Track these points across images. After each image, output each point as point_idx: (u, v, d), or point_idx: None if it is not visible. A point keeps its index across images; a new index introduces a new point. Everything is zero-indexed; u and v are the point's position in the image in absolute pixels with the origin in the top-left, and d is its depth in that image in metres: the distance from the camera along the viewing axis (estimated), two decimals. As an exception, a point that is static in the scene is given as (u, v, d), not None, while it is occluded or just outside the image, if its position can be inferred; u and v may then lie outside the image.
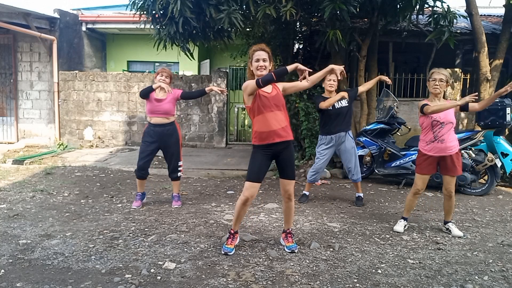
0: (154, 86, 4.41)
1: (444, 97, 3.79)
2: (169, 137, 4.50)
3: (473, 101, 3.54)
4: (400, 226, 3.90)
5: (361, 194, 4.97)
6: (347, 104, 4.75)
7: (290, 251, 3.29)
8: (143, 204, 4.64)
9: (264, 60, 3.16)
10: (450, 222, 3.88)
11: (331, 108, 4.69)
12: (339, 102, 4.72)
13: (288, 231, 3.44)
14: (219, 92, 4.60)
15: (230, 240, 3.30)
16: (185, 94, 4.67)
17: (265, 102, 3.17)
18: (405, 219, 3.95)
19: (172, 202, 4.68)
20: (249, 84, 3.17)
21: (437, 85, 3.63)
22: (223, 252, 3.22)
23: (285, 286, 2.72)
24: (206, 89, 4.63)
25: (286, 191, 3.31)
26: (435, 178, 5.45)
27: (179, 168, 4.63)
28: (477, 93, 3.72)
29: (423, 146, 3.77)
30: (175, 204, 4.61)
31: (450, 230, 3.82)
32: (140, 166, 4.51)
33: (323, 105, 4.64)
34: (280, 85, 3.31)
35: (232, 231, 3.33)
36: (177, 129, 4.61)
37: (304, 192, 5.06)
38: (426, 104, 3.66)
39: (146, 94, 4.44)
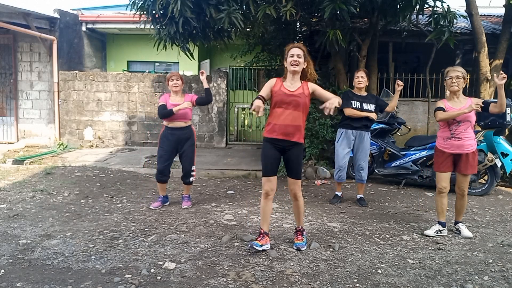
0: (174, 110, 4.31)
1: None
2: (186, 140, 4.50)
3: (478, 109, 3.50)
4: (432, 230, 3.80)
5: (362, 196, 4.99)
6: (373, 110, 4.74)
7: (296, 248, 3.31)
8: (143, 204, 4.63)
9: (298, 56, 3.17)
10: (461, 222, 3.86)
11: (359, 107, 4.69)
12: (367, 104, 4.71)
13: (298, 228, 3.45)
14: (202, 75, 4.55)
15: (260, 238, 3.29)
16: (199, 100, 4.56)
17: (284, 98, 3.18)
18: (440, 223, 3.82)
19: (182, 202, 4.65)
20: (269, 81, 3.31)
21: (454, 82, 3.62)
22: (255, 248, 3.18)
23: (285, 286, 2.72)
24: (204, 85, 4.58)
25: (291, 190, 3.34)
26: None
27: (192, 173, 4.61)
28: (483, 101, 3.67)
29: (440, 142, 3.77)
30: (186, 205, 4.59)
31: (460, 231, 3.79)
32: (160, 170, 4.49)
33: (347, 112, 4.71)
34: (311, 87, 3.27)
35: (262, 231, 3.33)
36: (194, 132, 4.62)
37: (336, 192, 5.04)
38: (439, 109, 3.67)
39: (168, 115, 4.38)
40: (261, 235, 3.31)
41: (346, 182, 6.09)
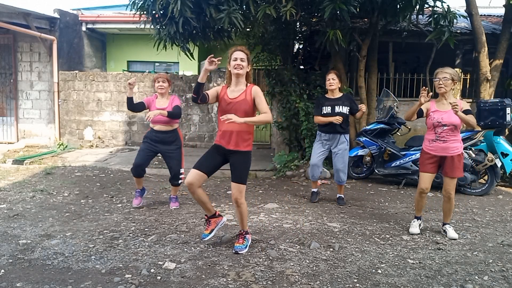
0: (146, 117, 4.25)
1: (437, 96, 3.78)
2: (170, 144, 4.48)
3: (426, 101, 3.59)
4: (415, 227, 3.86)
5: (342, 195, 5.01)
6: (347, 113, 4.73)
7: (234, 251, 3.23)
8: (143, 205, 4.63)
9: (242, 60, 3.14)
10: (448, 224, 3.86)
11: (330, 111, 4.70)
12: (340, 106, 4.70)
13: (241, 232, 3.37)
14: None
15: (207, 227, 3.39)
16: (169, 113, 4.31)
17: (224, 106, 3.19)
18: (418, 218, 3.93)
19: (170, 203, 4.65)
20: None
21: (441, 84, 3.62)
22: (204, 239, 3.33)
23: (285, 286, 2.72)
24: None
25: (233, 195, 3.25)
26: (435, 178, 5.44)
27: (181, 176, 4.58)
28: (464, 110, 3.62)
29: (426, 144, 3.79)
30: (174, 205, 4.60)
31: (446, 232, 3.79)
32: (136, 163, 4.43)
33: (316, 119, 4.84)
34: (254, 92, 3.20)
35: (206, 217, 3.42)
36: (180, 136, 4.58)
37: (312, 190, 5.07)
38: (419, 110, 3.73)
39: (129, 107, 4.39)
40: (207, 222, 3.40)
41: (346, 182, 6.10)
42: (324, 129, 4.81)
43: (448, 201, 3.76)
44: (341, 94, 4.85)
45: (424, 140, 3.83)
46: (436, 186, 5.48)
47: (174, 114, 4.33)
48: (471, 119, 3.56)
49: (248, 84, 3.23)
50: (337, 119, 4.61)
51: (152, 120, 4.38)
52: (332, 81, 4.72)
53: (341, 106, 4.70)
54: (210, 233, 3.35)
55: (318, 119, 4.79)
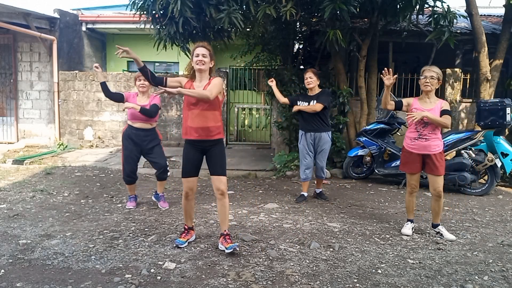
0: (124, 106, 4.23)
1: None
2: (150, 142, 4.45)
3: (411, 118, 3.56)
4: (407, 229, 3.85)
5: (321, 190, 5.17)
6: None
7: (230, 251, 3.16)
8: (143, 204, 4.63)
9: (204, 56, 3.20)
10: (440, 225, 3.81)
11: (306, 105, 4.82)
12: (313, 101, 4.78)
13: (225, 232, 3.32)
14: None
15: (184, 235, 3.45)
16: (144, 110, 4.24)
17: (191, 100, 3.19)
18: (410, 221, 3.91)
19: (159, 203, 4.63)
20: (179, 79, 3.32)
21: (427, 82, 3.61)
22: (174, 244, 3.33)
23: (285, 286, 2.72)
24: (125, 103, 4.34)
25: (218, 188, 3.27)
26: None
27: (168, 168, 4.63)
28: (442, 110, 3.62)
29: (407, 143, 3.76)
30: (164, 206, 4.58)
31: (441, 234, 3.74)
32: (127, 173, 4.45)
33: (294, 108, 4.94)
34: (213, 82, 3.23)
35: (186, 227, 3.49)
36: (158, 134, 4.58)
37: (302, 193, 5.08)
38: (399, 101, 3.77)
39: (112, 98, 4.37)
40: (185, 231, 3.46)
41: (346, 182, 6.10)
42: (306, 128, 4.87)
43: (437, 200, 3.71)
44: (319, 91, 4.90)
45: (405, 138, 3.81)
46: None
47: (147, 111, 4.25)
48: (444, 120, 3.52)
49: (210, 77, 3.30)
50: (314, 109, 4.72)
51: (132, 117, 4.37)
52: (310, 80, 4.80)
53: (314, 101, 4.78)
54: (186, 241, 3.40)
55: (296, 108, 4.91)
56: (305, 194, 5.05)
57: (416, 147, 3.68)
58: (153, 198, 4.75)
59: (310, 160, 4.94)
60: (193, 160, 3.31)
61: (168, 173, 4.69)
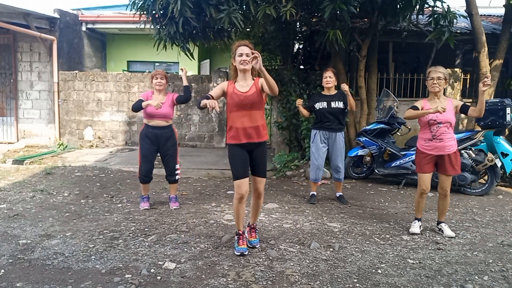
0: (143, 104, 4.26)
1: (444, 95, 3.78)
2: (167, 140, 4.49)
3: (441, 112, 3.50)
4: (415, 227, 3.85)
5: (341, 193, 5.09)
6: (342, 107, 4.78)
7: (251, 246, 3.33)
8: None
9: (247, 55, 3.10)
10: (443, 222, 3.87)
11: (325, 106, 4.76)
12: (336, 102, 4.76)
13: (252, 226, 3.45)
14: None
15: (241, 241, 3.29)
16: (179, 98, 4.53)
17: (238, 101, 3.14)
18: (418, 219, 3.92)
19: (170, 203, 4.65)
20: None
21: (435, 83, 3.62)
22: (237, 253, 3.19)
23: (285, 286, 2.72)
24: (183, 82, 4.59)
25: (257, 189, 3.29)
26: (435, 178, 5.45)
27: (177, 172, 4.62)
28: (462, 104, 3.69)
29: (421, 144, 3.76)
30: (173, 206, 4.60)
31: (442, 231, 3.80)
32: (144, 173, 4.49)
33: (301, 111, 4.94)
34: (260, 82, 3.16)
35: (240, 232, 3.32)
36: (175, 132, 4.61)
37: (311, 192, 5.06)
38: (413, 107, 3.71)
39: (138, 108, 4.34)
40: (241, 236, 3.30)
41: (346, 182, 6.10)
42: (322, 126, 4.83)
43: (444, 198, 3.77)
44: (336, 91, 4.90)
45: (419, 139, 3.81)
46: (436, 185, 5.49)
47: (185, 96, 4.53)
48: (480, 106, 3.50)
49: (255, 78, 3.23)
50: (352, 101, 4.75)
51: (148, 115, 4.39)
52: (329, 79, 4.79)
53: (336, 102, 4.77)
54: (246, 247, 3.28)
55: (301, 111, 4.91)
56: (315, 193, 5.03)
57: (431, 148, 3.68)
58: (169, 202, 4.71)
59: (322, 161, 4.89)
60: (243, 160, 3.22)
61: (177, 177, 4.65)
